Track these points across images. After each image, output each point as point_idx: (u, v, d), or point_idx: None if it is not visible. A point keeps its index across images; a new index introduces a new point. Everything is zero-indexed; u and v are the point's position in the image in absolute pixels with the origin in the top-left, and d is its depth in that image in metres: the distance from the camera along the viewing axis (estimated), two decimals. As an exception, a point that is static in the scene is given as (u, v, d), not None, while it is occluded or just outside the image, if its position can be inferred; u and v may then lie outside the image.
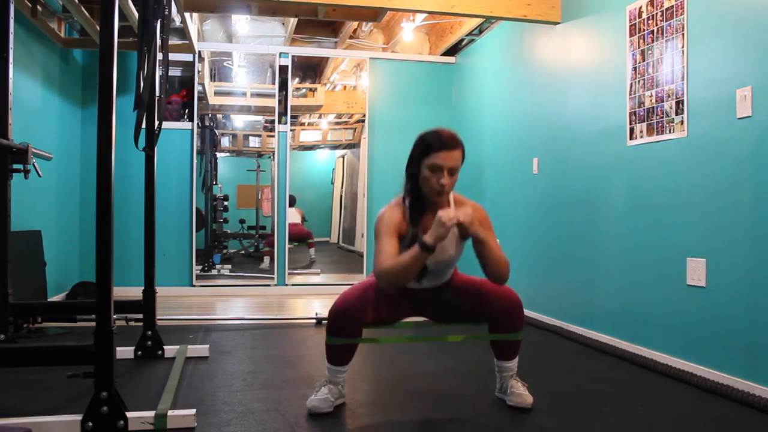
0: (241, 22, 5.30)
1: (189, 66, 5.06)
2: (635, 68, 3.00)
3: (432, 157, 1.93)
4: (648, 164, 2.90)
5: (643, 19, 2.94)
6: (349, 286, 2.15)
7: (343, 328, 2.02)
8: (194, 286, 5.02)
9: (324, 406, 2.05)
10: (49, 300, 3.84)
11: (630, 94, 3.03)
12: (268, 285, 5.17)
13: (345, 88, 5.61)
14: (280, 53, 5.21)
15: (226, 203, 5.36)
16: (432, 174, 1.94)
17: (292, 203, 5.44)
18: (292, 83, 5.26)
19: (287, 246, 5.22)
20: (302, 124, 5.48)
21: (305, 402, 2.12)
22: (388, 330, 2.25)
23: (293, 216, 5.51)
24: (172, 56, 4.28)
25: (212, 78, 5.23)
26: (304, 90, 5.47)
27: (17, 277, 2.86)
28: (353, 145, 5.62)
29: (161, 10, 2.53)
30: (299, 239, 5.62)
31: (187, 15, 4.05)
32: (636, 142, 2.98)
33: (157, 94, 2.85)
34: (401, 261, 1.87)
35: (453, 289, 2.17)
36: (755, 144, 2.30)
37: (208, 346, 2.92)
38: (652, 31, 2.87)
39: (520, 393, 2.13)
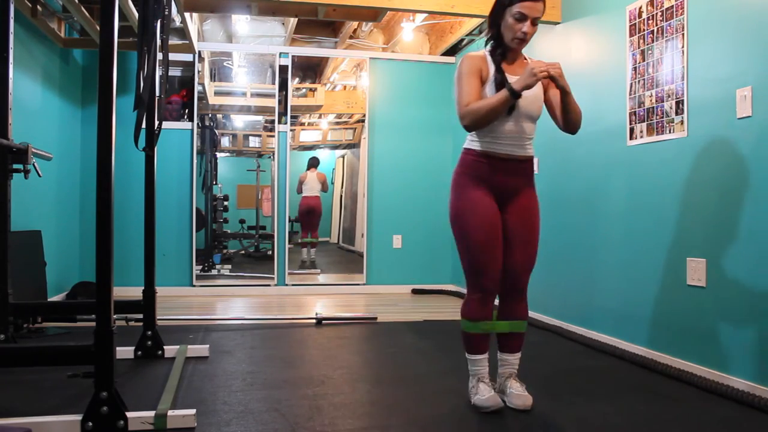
0: (241, 22, 5.30)
1: (189, 66, 5.06)
2: (635, 68, 3.00)
3: (518, 5, 2.01)
4: (648, 164, 2.90)
5: (643, 19, 2.94)
6: (463, 253, 2.14)
7: (484, 309, 2.11)
8: (194, 286, 5.02)
9: (497, 401, 2.08)
10: (49, 300, 3.84)
11: (630, 94, 3.03)
12: (268, 285, 5.17)
13: (345, 88, 5.61)
14: (280, 53, 5.21)
15: (226, 203, 5.36)
16: (516, 22, 2.02)
17: (314, 164, 5.30)
18: (292, 83, 5.26)
19: (286, 245, 5.22)
20: (302, 124, 5.48)
21: (305, 402, 2.12)
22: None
23: (312, 184, 5.37)
24: (172, 56, 4.28)
25: (212, 78, 5.23)
26: (304, 90, 5.47)
27: (17, 277, 2.86)
28: (353, 145, 5.62)
29: (161, 10, 2.53)
30: (312, 223, 5.47)
31: (187, 15, 4.05)
32: (636, 142, 2.98)
33: (157, 94, 2.85)
34: (487, 102, 1.99)
35: (524, 203, 2.16)
36: (755, 144, 2.30)
37: (208, 346, 2.92)
38: (652, 31, 2.87)
39: (521, 394, 2.13)
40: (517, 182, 2.15)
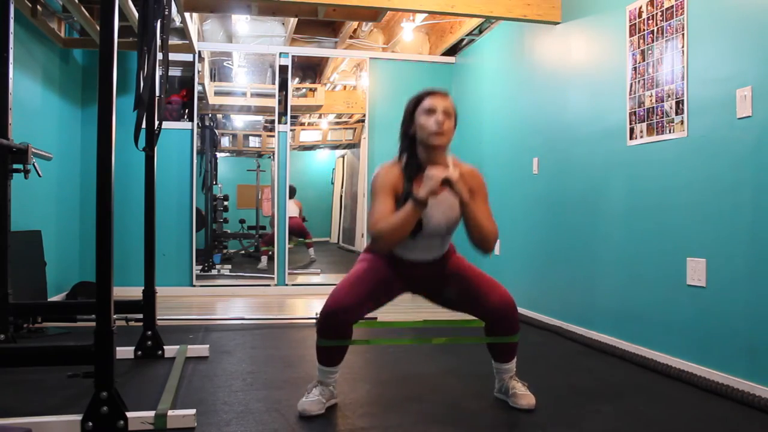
0: (241, 22, 5.30)
1: (189, 66, 5.06)
2: (635, 68, 3.00)
3: (424, 102, 2.00)
4: (648, 164, 2.90)
5: (643, 19, 2.94)
6: (338, 283, 2.11)
7: (334, 329, 2.01)
8: (194, 286, 5.02)
9: (315, 408, 2.02)
10: (49, 300, 3.83)
11: (630, 94, 3.03)
12: (268, 285, 5.17)
13: (345, 88, 5.61)
14: (280, 53, 5.21)
15: (226, 203, 5.37)
16: (428, 117, 1.97)
17: (292, 194, 5.42)
18: (292, 83, 5.26)
19: (287, 245, 5.22)
20: (302, 124, 5.48)
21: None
22: (380, 330, 2.25)
23: (291, 209, 5.49)
24: (172, 56, 4.28)
25: (212, 78, 5.24)
26: (304, 90, 5.47)
27: (17, 277, 2.86)
28: (353, 145, 5.62)
29: (161, 10, 2.53)
30: (298, 234, 5.60)
31: (187, 15, 4.05)
32: (636, 142, 2.98)
33: (157, 94, 2.85)
34: (395, 219, 1.89)
35: (448, 277, 2.12)
36: (755, 144, 2.30)
37: (208, 346, 2.92)
38: (652, 31, 2.87)
39: (524, 394, 2.12)
40: (428, 274, 2.12)
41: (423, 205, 1.86)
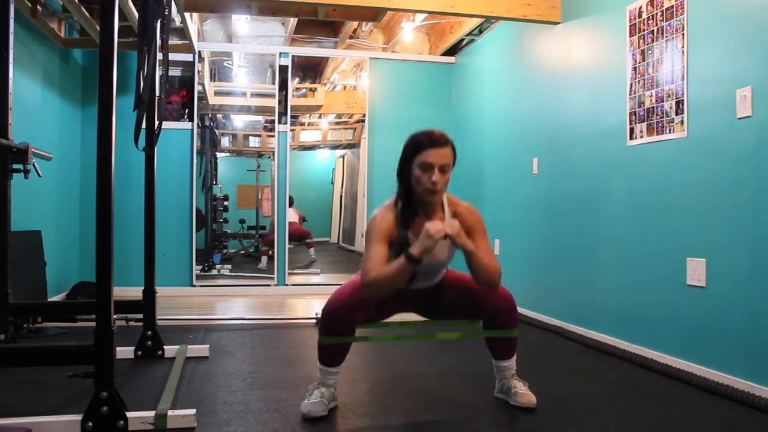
0: (241, 22, 5.30)
1: (189, 66, 5.06)
2: (635, 68, 3.00)
3: (422, 155, 1.92)
4: (648, 164, 2.90)
5: (643, 19, 2.94)
6: (340, 285, 2.14)
7: (336, 327, 2.01)
8: (194, 286, 5.02)
9: (318, 409, 2.02)
10: (49, 300, 3.84)
11: (630, 94, 3.03)
12: (268, 285, 5.17)
13: (345, 88, 5.61)
14: (280, 53, 5.21)
15: (226, 203, 5.36)
16: (423, 173, 1.92)
17: (291, 203, 5.45)
18: (292, 83, 5.26)
19: (287, 246, 5.22)
20: (302, 124, 5.48)
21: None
22: (380, 329, 2.25)
23: (291, 216, 5.52)
24: (172, 56, 4.28)
25: (212, 78, 5.24)
26: (304, 90, 5.47)
27: (17, 277, 2.86)
28: (353, 145, 5.62)
29: (161, 10, 2.53)
30: (298, 238, 5.62)
31: (187, 15, 4.05)
32: (636, 142, 2.98)
33: (157, 94, 2.85)
34: (388, 271, 1.86)
35: (446, 289, 2.16)
36: (755, 144, 2.30)
37: (208, 346, 2.92)
38: (652, 31, 2.87)
39: (525, 393, 2.12)
40: (431, 291, 2.14)
41: (417, 262, 1.84)
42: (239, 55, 5.25)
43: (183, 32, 4.32)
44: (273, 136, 5.22)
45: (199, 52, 5.01)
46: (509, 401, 2.15)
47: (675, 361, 2.65)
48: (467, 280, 2.13)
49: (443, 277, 2.18)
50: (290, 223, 5.36)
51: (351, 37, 5.82)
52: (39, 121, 3.92)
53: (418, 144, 1.95)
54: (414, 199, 2.00)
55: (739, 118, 2.37)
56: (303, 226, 5.92)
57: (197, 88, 5.04)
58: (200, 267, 5.08)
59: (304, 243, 5.72)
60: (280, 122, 5.21)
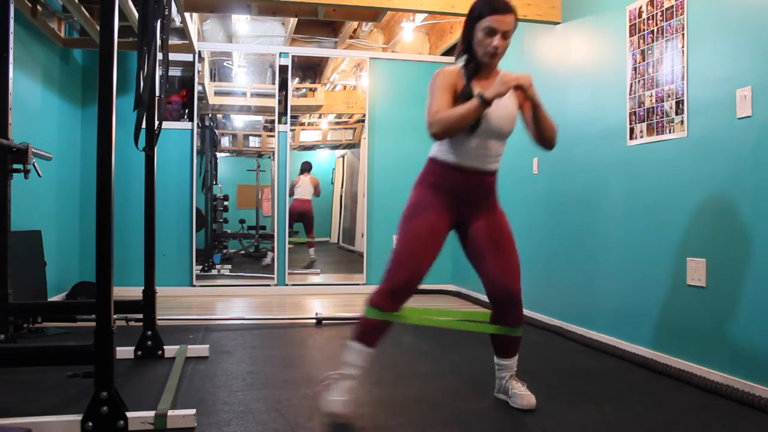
0: (241, 22, 5.30)
1: (189, 66, 5.06)
2: (635, 68, 3.00)
3: (486, 20, 1.99)
4: (648, 164, 2.90)
5: (643, 19, 2.94)
6: (394, 252, 2.09)
7: (401, 299, 2.04)
8: (194, 286, 5.02)
9: (348, 410, 1.97)
10: (49, 300, 3.83)
11: (630, 94, 3.03)
12: (268, 285, 5.17)
13: (345, 88, 5.61)
14: (280, 53, 5.21)
15: (226, 203, 5.36)
16: (486, 36, 2.00)
17: (306, 170, 5.35)
18: (292, 83, 5.26)
19: (287, 246, 5.22)
20: (302, 124, 5.48)
21: (305, 402, 2.11)
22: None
23: (304, 187, 5.43)
24: (172, 56, 4.28)
25: (212, 78, 5.23)
26: (304, 90, 5.47)
27: (17, 277, 2.86)
28: (353, 145, 5.62)
29: (161, 10, 2.53)
30: (305, 221, 5.53)
31: (187, 15, 4.05)
32: (636, 142, 2.98)
33: (157, 94, 2.85)
34: (458, 109, 1.95)
35: (494, 215, 2.17)
36: (755, 144, 2.30)
37: (208, 346, 2.92)
38: (652, 31, 2.87)
39: (524, 394, 2.13)
40: (478, 194, 2.13)
41: (488, 104, 1.92)
42: (239, 55, 5.25)
43: (183, 32, 4.32)
44: (273, 136, 5.22)
45: (199, 52, 5.01)
46: (509, 402, 2.15)
47: (675, 361, 2.65)
48: (507, 237, 2.19)
49: (496, 191, 2.17)
50: (302, 201, 5.28)
51: (351, 37, 5.82)
52: (39, 121, 3.92)
53: (483, 9, 2.02)
54: (475, 59, 2.07)
55: (739, 118, 2.37)
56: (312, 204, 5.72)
57: (197, 88, 5.04)
58: (200, 267, 5.08)
59: (306, 235, 5.63)
60: (280, 122, 5.21)
